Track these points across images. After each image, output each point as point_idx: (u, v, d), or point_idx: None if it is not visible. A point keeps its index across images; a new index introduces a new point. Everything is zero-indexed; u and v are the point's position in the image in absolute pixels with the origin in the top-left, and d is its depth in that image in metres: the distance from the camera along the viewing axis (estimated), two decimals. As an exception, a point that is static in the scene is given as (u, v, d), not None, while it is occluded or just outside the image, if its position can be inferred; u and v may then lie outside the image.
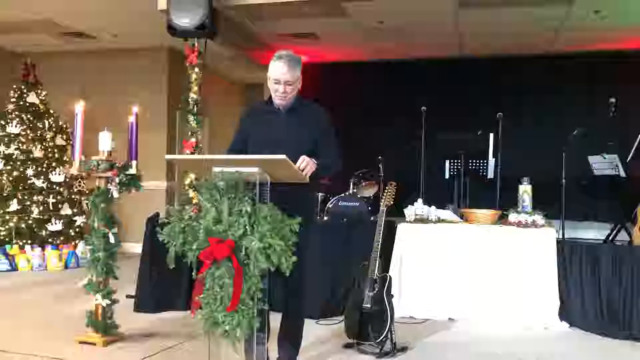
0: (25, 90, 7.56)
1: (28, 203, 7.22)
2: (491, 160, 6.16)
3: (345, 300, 4.07)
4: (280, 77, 3.08)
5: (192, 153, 5.84)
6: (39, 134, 7.52)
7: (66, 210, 7.44)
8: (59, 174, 7.45)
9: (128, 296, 4.84)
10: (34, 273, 6.78)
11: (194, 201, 5.48)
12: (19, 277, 6.49)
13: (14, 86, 7.59)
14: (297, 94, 3.22)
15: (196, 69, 5.92)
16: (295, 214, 2.82)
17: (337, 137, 3.26)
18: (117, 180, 3.95)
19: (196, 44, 5.92)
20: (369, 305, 3.77)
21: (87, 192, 7.46)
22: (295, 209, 2.86)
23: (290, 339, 3.29)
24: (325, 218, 6.08)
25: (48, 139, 7.58)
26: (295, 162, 2.89)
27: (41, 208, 7.27)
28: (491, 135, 6.16)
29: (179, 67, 6.45)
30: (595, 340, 4.23)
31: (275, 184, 2.91)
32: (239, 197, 2.77)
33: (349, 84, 8.44)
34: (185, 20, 5.71)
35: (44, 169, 7.39)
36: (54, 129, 7.65)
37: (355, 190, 6.49)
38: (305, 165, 2.92)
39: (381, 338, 3.70)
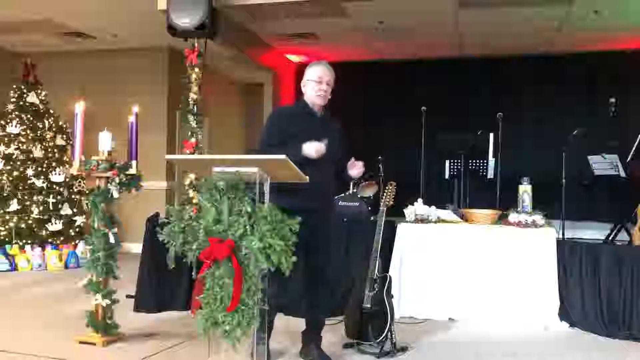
0: (25, 90, 7.55)
1: (28, 203, 7.21)
2: (491, 160, 6.16)
3: (345, 300, 4.07)
4: (323, 75, 3.43)
5: (192, 153, 5.84)
6: (39, 134, 7.51)
7: (66, 210, 7.43)
8: (59, 174, 7.44)
9: (128, 296, 4.84)
10: (34, 273, 6.77)
11: (194, 201, 5.48)
12: (19, 277, 6.49)
13: (14, 86, 7.58)
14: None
15: (196, 69, 5.92)
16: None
17: None
18: (117, 180, 3.95)
19: (196, 44, 5.91)
20: (369, 305, 3.77)
21: (87, 192, 7.45)
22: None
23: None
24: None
25: (48, 139, 7.58)
26: (331, 161, 3.36)
27: (41, 208, 7.26)
28: (491, 135, 6.16)
29: (179, 67, 6.45)
30: (595, 340, 4.23)
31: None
32: (239, 197, 2.77)
33: (349, 84, 8.40)
34: (185, 20, 5.72)
35: (44, 169, 7.39)
36: (54, 129, 7.64)
37: (355, 190, 6.48)
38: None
39: (381, 338, 3.70)
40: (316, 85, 3.40)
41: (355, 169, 3.54)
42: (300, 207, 2.98)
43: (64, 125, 7.71)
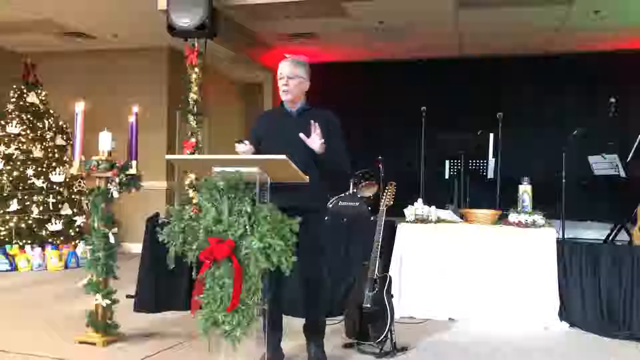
0: (25, 90, 7.55)
1: (28, 203, 7.21)
2: (491, 160, 6.16)
3: (346, 300, 4.07)
4: (282, 71, 3.39)
5: (192, 153, 5.84)
6: (39, 134, 7.51)
7: (66, 210, 7.43)
8: (59, 174, 7.44)
9: (128, 296, 4.84)
10: (34, 273, 6.77)
11: (194, 201, 5.48)
12: (19, 277, 6.49)
13: (14, 86, 7.58)
14: (306, 99, 3.49)
15: (196, 69, 5.92)
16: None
17: (345, 142, 3.47)
18: (117, 180, 3.95)
19: (196, 44, 5.91)
20: (369, 305, 3.77)
21: (87, 192, 7.43)
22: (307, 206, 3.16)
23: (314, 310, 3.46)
24: (326, 218, 6.07)
25: (48, 139, 7.57)
26: (304, 161, 3.10)
27: (41, 208, 7.26)
28: (491, 135, 6.16)
29: (179, 67, 6.45)
30: (595, 340, 4.23)
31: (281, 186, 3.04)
32: (239, 197, 2.77)
33: (349, 84, 8.43)
34: (185, 20, 5.71)
35: (44, 169, 7.39)
36: (54, 129, 7.64)
37: (355, 190, 6.48)
38: (317, 139, 3.16)
39: (381, 338, 3.70)
40: (279, 81, 3.41)
41: (312, 142, 3.21)
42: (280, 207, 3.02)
43: (64, 125, 7.70)
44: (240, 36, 7.32)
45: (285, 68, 3.39)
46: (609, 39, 7.33)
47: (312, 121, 3.22)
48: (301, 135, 3.20)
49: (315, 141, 3.20)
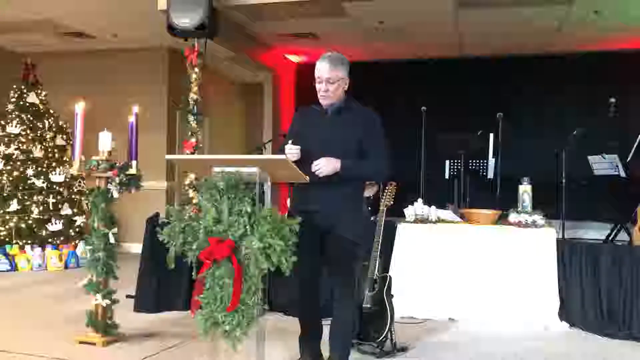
0: (25, 90, 7.55)
1: (28, 203, 7.21)
2: (491, 160, 6.16)
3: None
4: (321, 74, 3.09)
5: (192, 153, 5.84)
6: (39, 134, 7.51)
7: (66, 210, 7.43)
8: (59, 174, 7.44)
9: (128, 296, 4.84)
10: (34, 273, 6.77)
11: (194, 201, 5.48)
12: (19, 277, 6.49)
13: (14, 86, 7.57)
14: (346, 96, 3.24)
15: (196, 69, 5.92)
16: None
17: (383, 142, 3.20)
18: (117, 180, 3.95)
19: (196, 44, 5.91)
20: (369, 305, 3.77)
21: (87, 192, 7.44)
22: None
23: (341, 338, 3.22)
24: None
25: (48, 139, 7.57)
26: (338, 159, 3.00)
27: (41, 208, 7.26)
28: (491, 135, 6.16)
29: (179, 67, 6.45)
30: (595, 340, 4.23)
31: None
32: (239, 197, 2.77)
33: (348, 84, 8.43)
34: (185, 20, 5.71)
35: (44, 169, 7.39)
36: (54, 129, 7.64)
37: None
38: (320, 166, 2.97)
39: (381, 338, 3.70)
40: (317, 84, 3.11)
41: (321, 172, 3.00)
42: (301, 209, 3.07)
43: (64, 125, 7.70)
44: (240, 36, 7.32)
45: (324, 70, 3.07)
46: (609, 39, 7.33)
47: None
48: (313, 167, 2.95)
49: (321, 170, 2.96)
